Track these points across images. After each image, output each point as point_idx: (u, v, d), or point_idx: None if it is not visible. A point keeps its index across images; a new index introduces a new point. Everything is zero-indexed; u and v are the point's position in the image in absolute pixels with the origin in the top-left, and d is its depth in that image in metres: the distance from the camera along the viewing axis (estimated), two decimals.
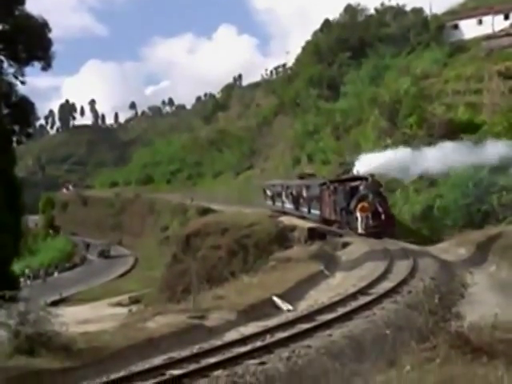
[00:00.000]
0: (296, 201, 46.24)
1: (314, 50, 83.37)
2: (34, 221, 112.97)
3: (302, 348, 13.09)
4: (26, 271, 68.54)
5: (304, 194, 44.58)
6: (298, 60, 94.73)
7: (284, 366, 12.00)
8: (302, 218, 43.12)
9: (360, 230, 33.05)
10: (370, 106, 51.45)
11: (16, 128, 29.78)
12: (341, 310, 16.62)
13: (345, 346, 13.60)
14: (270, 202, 54.65)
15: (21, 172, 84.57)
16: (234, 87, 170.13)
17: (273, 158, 77.88)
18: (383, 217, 32.71)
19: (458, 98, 45.94)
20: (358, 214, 33.14)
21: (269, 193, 55.47)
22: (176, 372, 11.61)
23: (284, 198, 49.76)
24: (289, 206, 48.16)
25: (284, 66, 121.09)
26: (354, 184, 35.29)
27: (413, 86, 47.41)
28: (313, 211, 42.15)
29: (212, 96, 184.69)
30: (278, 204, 51.50)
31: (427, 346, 11.65)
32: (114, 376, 11.74)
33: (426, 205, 35.45)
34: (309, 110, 71.10)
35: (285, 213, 47.10)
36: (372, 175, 33.90)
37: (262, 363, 12.11)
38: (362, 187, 34.15)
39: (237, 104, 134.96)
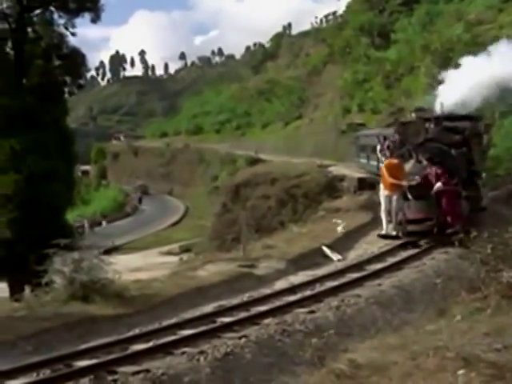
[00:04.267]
0: None
1: None
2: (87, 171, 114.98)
3: (352, 297, 13.14)
4: (82, 220, 69.80)
5: None
6: (349, 7, 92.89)
7: (333, 315, 12.08)
8: None
9: (384, 230, 18.92)
10: (421, 54, 50.37)
11: (68, 79, 30.02)
12: (390, 260, 16.59)
13: (394, 295, 13.61)
14: (363, 160, 40.04)
15: (73, 122, 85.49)
16: (283, 36, 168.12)
17: (322, 107, 77.17)
18: (440, 200, 18.16)
19: None
20: (381, 193, 19.12)
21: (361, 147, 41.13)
22: (227, 320, 11.77)
23: (379, 154, 32.77)
24: None
25: (334, 13, 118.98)
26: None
27: (466, 33, 46.16)
28: None
29: (261, 45, 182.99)
30: (373, 163, 36.65)
31: (478, 296, 11.57)
32: (165, 323, 11.96)
33: None
34: (359, 58, 70.03)
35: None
36: (422, 109, 21.59)
37: (312, 312, 12.20)
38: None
39: (286, 53, 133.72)
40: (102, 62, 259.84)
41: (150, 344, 10.43)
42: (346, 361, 8.93)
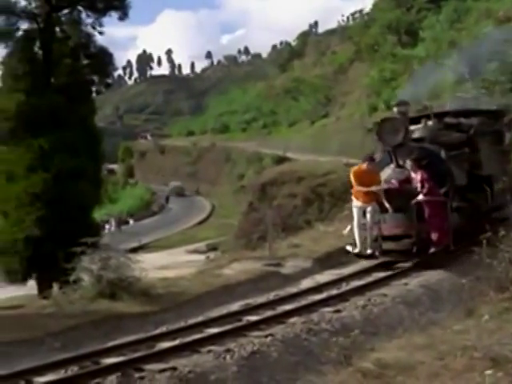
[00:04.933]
0: None
1: None
2: (113, 169, 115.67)
3: (378, 296, 13.07)
4: (108, 219, 70.23)
5: None
6: (376, 5, 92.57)
7: (359, 314, 12.03)
8: None
9: (357, 247, 15.90)
10: (449, 52, 49.96)
11: (95, 78, 30.18)
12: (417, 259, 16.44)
13: (421, 294, 13.53)
14: None
15: (100, 121, 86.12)
16: (309, 34, 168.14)
17: (349, 105, 76.99)
18: (421, 212, 15.11)
19: None
20: (353, 204, 16.21)
21: None
22: (253, 318, 11.78)
23: None
24: None
25: (361, 11, 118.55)
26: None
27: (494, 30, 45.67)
28: None
29: (287, 44, 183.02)
30: None
31: (506, 296, 11.47)
32: (192, 321, 11.99)
33: None
34: (386, 56, 69.74)
35: None
36: (404, 103, 16.92)
37: (338, 311, 12.16)
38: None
39: (312, 51, 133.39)
40: (129, 61, 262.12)
41: (177, 342, 10.47)
42: (373, 360, 8.91)
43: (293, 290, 14.50)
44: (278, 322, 11.48)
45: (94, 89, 30.68)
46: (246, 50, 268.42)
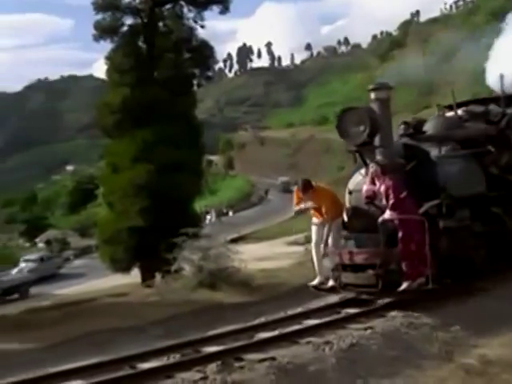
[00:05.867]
0: None
1: None
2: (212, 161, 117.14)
3: (481, 292, 12.71)
4: (208, 210, 71.18)
5: None
6: None
7: (462, 309, 11.74)
8: None
9: (317, 277, 12.64)
10: None
11: (196, 71, 30.56)
12: None
13: None
14: None
15: (201, 114, 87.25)
16: (411, 23, 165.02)
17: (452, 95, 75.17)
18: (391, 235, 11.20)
19: None
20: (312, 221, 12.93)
21: None
22: (352, 311, 11.70)
23: None
24: None
25: None
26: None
27: None
28: None
29: (388, 34, 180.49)
30: None
31: None
32: (291, 312, 12.03)
33: None
34: (491, 45, 67.72)
35: None
36: (384, 87, 12.35)
37: (440, 305, 11.90)
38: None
39: (414, 41, 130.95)
40: (229, 54, 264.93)
41: (276, 332, 10.53)
42: (476, 356, 8.70)
43: None
44: (377, 315, 11.36)
45: (195, 82, 31.08)
46: (346, 41, 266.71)
